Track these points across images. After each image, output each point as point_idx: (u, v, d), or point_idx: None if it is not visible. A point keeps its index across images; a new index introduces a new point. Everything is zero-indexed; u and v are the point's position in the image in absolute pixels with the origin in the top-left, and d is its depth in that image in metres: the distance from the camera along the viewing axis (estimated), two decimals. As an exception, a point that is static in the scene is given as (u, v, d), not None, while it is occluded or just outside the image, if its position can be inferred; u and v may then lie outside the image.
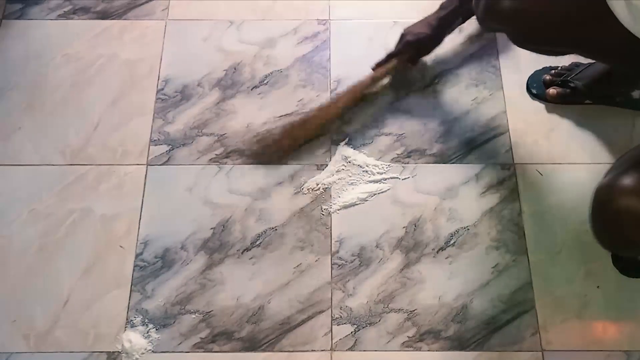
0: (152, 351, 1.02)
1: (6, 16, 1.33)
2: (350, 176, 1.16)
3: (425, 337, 1.04)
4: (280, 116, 1.22)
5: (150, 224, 1.12)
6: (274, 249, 1.11)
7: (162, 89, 1.25)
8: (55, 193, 1.15)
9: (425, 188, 1.16)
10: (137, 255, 1.10)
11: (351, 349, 1.03)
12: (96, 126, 1.21)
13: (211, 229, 1.12)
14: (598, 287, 1.07)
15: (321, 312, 1.06)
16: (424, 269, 1.09)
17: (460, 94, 1.25)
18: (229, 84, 1.26)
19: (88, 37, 1.31)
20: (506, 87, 1.25)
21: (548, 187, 1.16)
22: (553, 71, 1.24)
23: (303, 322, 1.05)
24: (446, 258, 1.10)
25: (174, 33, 1.32)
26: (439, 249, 1.11)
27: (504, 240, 1.11)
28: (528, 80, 1.25)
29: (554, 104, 1.23)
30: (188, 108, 1.23)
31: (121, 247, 1.10)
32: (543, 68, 1.26)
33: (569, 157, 1.18)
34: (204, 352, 1.03)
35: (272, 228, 1.12)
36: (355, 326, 1.05)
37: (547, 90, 1.23)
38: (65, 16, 1.33)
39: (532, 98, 1.24)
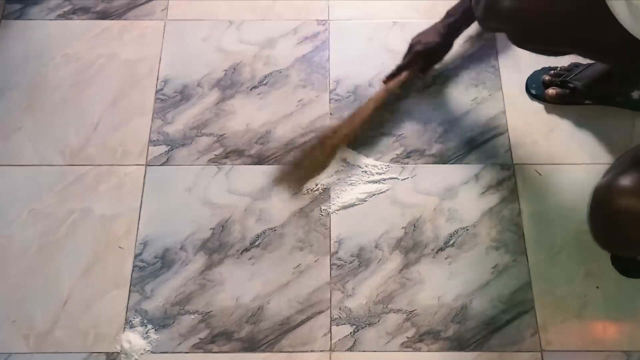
0: (152, 352, 1.02)
1: (6, 16, 1.34)
2: (349, 177, 1.16)
3: (425, 337, 1.04)
4: (280, 117, 1.22)
5: (150, 225, 1.12)
6: (274, 249, 1.11)
7: (162, 89, 1.25)
8: (55, 193, 1.15)
9: (425, 188, 1.16)
10: (136, 256, 1.10)
11: (350, 349, 1.03)
12: (96, 126, 1.21)
13: (210, 229, 1.12)
14: (598, 287, 1.07)
15: (320, 312, 1.06)
16: (423, 270, 1.09)
17: (460, 94, 1.25)
18: (229, 84, 1.26)
19: (88, 37, 1.31)
20: (505, 88, 1.25)
21: (547, 187, 1.16)
22: (552, 71, 1.24)
23: (302, 322, 1.05)
24: (445, 258, 1.10)
25: (173, 33, 1.32)
26: (439, 250, 1.11)
27: (504, 240, 1.11)
28: (527, 81, 1.25)
29: (554, 104, 1.23)
30: (187, 108, 1.24)
31: (120, 247, 1.10)
32: (542, 68, 1.26)
33: (568, 157, 1.18)
34: (203, 352, 1.03)
35: (272, 228, 1.12)
36: (355, 327, 1.05)
37: (547, 90, 1.23)
38: (64, 16, 1.34)
39: (531, 98, 1.24)
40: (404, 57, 1.21)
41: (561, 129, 1.21)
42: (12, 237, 1.11)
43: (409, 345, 1.03)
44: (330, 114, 1.23)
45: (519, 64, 1.27)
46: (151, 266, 1.09)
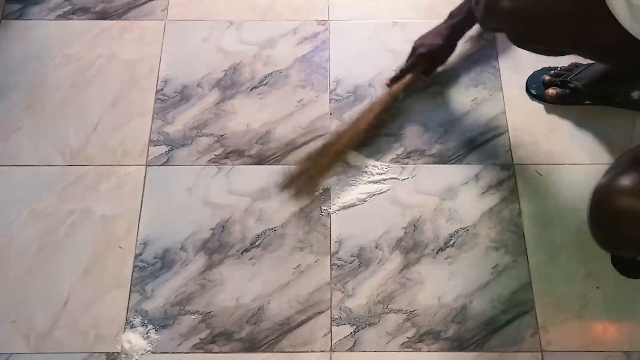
0: (152, 352, 1.02)
1: (6, 16, 1.34)
2: (349, 177, 1.16)
3: (425, 337, 1.04)
4: (281, 117, 1.22)
5: (150, 225, 1.12)
6: (274, 249, 1.11)
7: (162, 90, 1.25)
8: (55, 193, 1.15)
9: (425, 188, 1.16)
10: (136, 256, 1.10)
11: (351, 349, 1.03)
12: (96, 126, 1.21)
13: (211, 229, 1.12)
14: (598, 287, 1.07)
15: (321, 312, 1.06)
16: (423, 270, 1.09)
17: (460, 94, 1.25)
18: (229, 84, 1.26)
19: (88, 37, 1.31)
20: (506, 88, 1.25)
21: (548, 187, 1.16)
22: (552, 72, 1.24)
23: (302, 322, 1.05)
24: (446, 259, 1.10)
25: (173, 33, 1.32)
26: (439, 250, 1.11)
27: (504, 240, 1.11)
28: (527, 81, 1.25)
29: (554, 104, 1.23)
30: (187, 108, 1.23)
31: (120, 247, 1.10)
32: (542, 68, 1.26)
33: (568, 157, 1.18)
34: (203, 352, 1.03)
35: (272, 229, 1.12)
36: (355, 327, 1.05)
37: (547, 90, 1.23)
38: (64, 16, 1.34)
39: (531, 98, 1.24)
40: (407, 60, 1.21)
41: (561, 129, 1.21)
42: (12, 237, 1.11)
43: (409, 345, 1.03)
44: (330, 114, 1.23)
45: (519, 64, 1.27)
46: (151, 266, 1.09)
